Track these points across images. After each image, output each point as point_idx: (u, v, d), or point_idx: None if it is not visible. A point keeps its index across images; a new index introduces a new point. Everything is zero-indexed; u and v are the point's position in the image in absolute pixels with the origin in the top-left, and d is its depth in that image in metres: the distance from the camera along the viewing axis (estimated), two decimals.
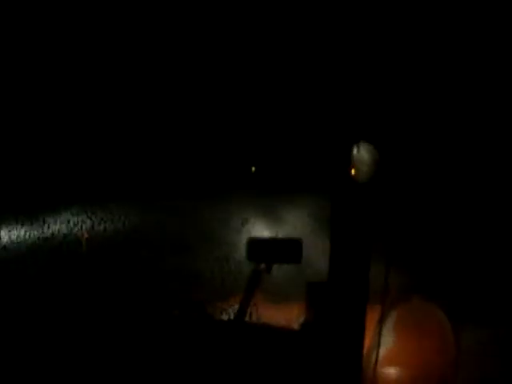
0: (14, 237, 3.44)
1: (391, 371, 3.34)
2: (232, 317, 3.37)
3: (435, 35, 3.26)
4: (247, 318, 3.39)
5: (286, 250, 3.36)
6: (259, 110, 3.44)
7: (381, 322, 3.36)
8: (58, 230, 3.48)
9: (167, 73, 3.46)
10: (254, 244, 3.39)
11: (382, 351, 3.35)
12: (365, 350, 3.31)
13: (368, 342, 3.32)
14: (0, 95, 3.48)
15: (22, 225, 3.46)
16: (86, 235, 3.47)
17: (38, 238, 3.46)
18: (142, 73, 3.49)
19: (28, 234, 3.48)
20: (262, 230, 3.42)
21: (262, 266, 3.37)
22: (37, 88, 3.49)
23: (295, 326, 3.35)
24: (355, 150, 3.32)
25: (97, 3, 3.41)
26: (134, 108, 3.50)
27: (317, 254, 3.34)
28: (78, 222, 3.51)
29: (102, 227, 3.51)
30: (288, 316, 3.34)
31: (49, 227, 3.48)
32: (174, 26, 3.36)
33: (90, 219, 3.51)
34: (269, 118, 3.45)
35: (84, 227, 3.48)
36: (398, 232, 3.45)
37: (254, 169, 3.42)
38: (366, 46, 3.29)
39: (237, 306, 3.38)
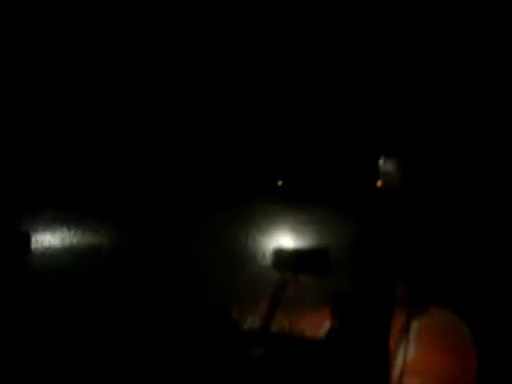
0: (42, 242, 3.50)
1: (413, 381, 3.38)
2: (257, 326, 3.41)
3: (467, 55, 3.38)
4: (272, 327, 3.43)
5: (312, 260, 3.43)
6: (284, 123, 3.53)
7: (402, 331, 3.41)
8: (80, 238, 3.52)
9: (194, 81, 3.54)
10: (280, 254, 3.45)
11: (404, 361, 3.40)
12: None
13: (390, 351, 3.38)
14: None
15: (50, 230, 3.51)
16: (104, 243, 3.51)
17: (62, 244, 3.51)
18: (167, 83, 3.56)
19: (53, 239, 3.53)
20: (287, 241, 3.49)
21: (288, 275, 3.43)
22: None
23: (321, 335, 3.39)
24: (381, 163, 3.43)
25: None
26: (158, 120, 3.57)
27: (344, 264, 3.40)
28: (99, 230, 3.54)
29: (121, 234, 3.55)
30: (314, 325, 3.38)
31: (71, 233, 3.53)
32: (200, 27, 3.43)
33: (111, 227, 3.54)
34: (295, 132, 3.54)
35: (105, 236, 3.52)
36: (415, 241, 3.52)
37: (280, 183, 3.49)
38: (393, 63, 3.42)
39: (262, 315, 3.43)
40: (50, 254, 3.49)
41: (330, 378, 3.31)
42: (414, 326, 3.43)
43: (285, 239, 3.49)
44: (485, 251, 3.53)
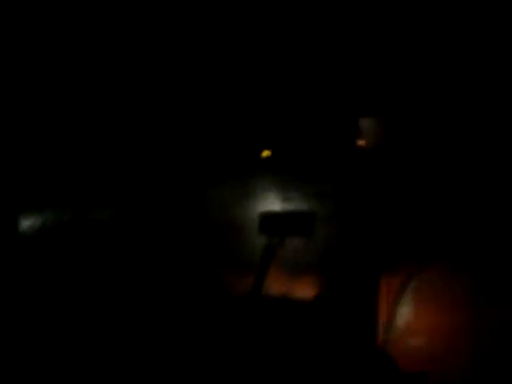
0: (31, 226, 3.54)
1: (411, 341, 3.33)
2: (248, 290, 3.40)
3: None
4: (263, 291, 3.41)
5: (297, 223, 3.42)
6: (267, 95, 3.55)
7: (400, 292, 3.37)
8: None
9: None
10: (266, 217, 3.44)
11: (402, 322, 3.36)
12: (384, 321, 3.34)
13: (387, 312, 3.35)
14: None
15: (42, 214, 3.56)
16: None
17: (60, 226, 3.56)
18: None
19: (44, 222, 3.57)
20: (273, 207, 3.50)
21: (276, 239, 3.42)
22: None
23: (310, 297, 3.38)
24: (362, 122, 3.44)
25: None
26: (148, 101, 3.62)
27: (329, 228, 3.39)
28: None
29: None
30: (302, 288, 3.37)
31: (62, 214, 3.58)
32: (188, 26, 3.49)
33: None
34: (277, 102, 3.56)
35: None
36: (416, 197, 3.48)
37: (266, 153, 3.50)
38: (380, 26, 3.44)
39: (252, 280, 3.42)
40: (39, 236, 3.52)
41: (319, 338, 3.28)
42: (411, 287, 3.39)
43: (272, 205, 3.50)
44: (480, 206, 3.47)
